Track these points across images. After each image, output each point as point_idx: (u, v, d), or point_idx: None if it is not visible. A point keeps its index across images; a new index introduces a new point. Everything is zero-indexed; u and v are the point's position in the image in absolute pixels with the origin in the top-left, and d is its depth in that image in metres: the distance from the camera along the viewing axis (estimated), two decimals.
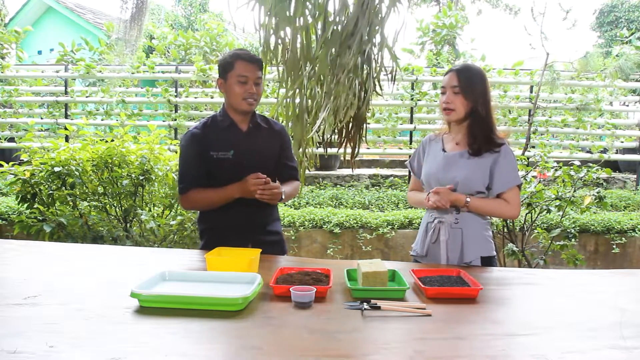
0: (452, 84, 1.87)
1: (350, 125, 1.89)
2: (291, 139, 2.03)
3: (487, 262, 1.91)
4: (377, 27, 1.65)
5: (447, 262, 1.89)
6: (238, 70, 1.93)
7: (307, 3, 1.65)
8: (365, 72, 1.75)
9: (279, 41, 1.71)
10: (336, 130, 1.88)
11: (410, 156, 2.19)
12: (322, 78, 1.70)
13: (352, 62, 1.63)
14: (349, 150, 1.91)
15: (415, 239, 2.07)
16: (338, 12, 1.65)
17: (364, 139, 1.94)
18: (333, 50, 1.64)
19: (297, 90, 1.78)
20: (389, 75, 1.86)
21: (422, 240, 1.99)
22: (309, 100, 1.82)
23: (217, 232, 2.01)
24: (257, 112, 2.11)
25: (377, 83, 1.82)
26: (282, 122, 2.07)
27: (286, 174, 2.12)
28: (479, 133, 1.89)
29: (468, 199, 1.84)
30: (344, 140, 1.88)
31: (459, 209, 1.88)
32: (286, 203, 5.23)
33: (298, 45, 1.71)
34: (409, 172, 2.16)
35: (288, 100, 1.81)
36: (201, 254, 1.86)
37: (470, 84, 1.86)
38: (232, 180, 1.94)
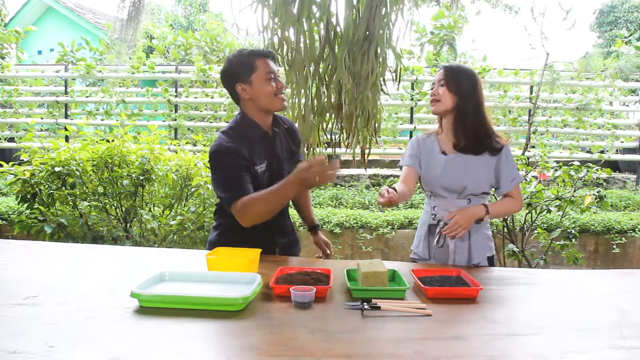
0: (439, 78, 1.93)
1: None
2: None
3: (490, 261, 1.92)
4: (385, 29, 1.66)
5: (454, 263, 1.87)
6: (263, 68, 1.80)
7: (312, 5, 1.66)
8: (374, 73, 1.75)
9: (284, 42, 1.71)
10: (345, 131, 1.88)
11: (402, 156, 2.10)
12: (339, 83, 1.70)
13: (374, 73, 1.64)
14: (358, 149, 1.91)
15: (415, 242, 2.03)
16: (347, 14, 1.65)
17: (374, 138, 1.94)
18: (346, 54, 1.64)
19: (303, 91, 1.78)
20: (394, 75, 1.87)
21: (424, 243, 1.95)
22: (315, 100, 1.82)
23: (241, 243, 1.78)
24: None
25: (383, 83, 1.83)
26: None
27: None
28: (465, 128, 1.88)
29: (488, 211, 1.83)
30: (361, 142, 1.88)
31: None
32: None
33: (302, 45, 1.71)
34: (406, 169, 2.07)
35: (294, 100, 1.81)
36: (201, 254, 1.86)
37: (457, 79, 1.89)
38: (262, 189, 1.77)
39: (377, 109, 1.79)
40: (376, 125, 1.85)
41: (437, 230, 1.88)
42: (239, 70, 1.80)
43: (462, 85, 1.88)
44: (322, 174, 1.60)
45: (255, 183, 1.78)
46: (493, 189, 1.97)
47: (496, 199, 2.05)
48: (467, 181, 1.85)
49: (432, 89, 1.98)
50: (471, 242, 1.88)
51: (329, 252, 2.17)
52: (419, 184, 2.02)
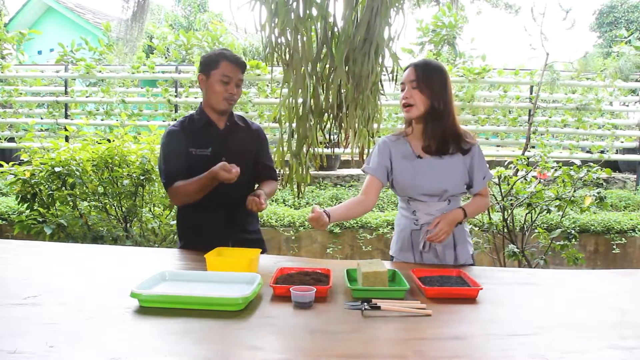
0: (410, 79, 1.80)
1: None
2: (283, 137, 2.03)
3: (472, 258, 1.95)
4: (384, 30, 1.66)
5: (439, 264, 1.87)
6: (223, 69, 1.95)
7: (312, 5, 1.66)
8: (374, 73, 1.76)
9: (282, 41, 1.72)
10: (344, 132, 1.88)
11: (367, 158, 1.99)
12: (339, 84, 1.71)
13: (374, 73, 1.65)
14: (357, 149, 1.91)
15: (395, 247, 1.96)
16: (347, 15, 1.65)
17: (372, 139, 1.94)
18: (346, 54, 1.65)
19: (300, 91, 1.79)
20: (390, 75, 1.87)
21: (407, 249, 1.90)
22: (312, 100, 1.82)
23: (197, 231, 2.02)
24: (234, 111, 2.13)
25: (380, 84, 1.84)
26: (285, 122, 2.07)
27: (264, 174, 2.17)
28: (439, 131, 1.81)
29: (466, 213, 1.83)
30: (360, 142, 1.88)
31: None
32: (286, 203, 5.23)
33: (300, 45, 1.72)
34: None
35: (291, 100, 1.82)
36: (201, 254, 1.86)
37: (428, 78, 1.79)
38: None
39: (376, 109, 1.79)
40: (375, 125, 1.85)
41: (421, 236, 1.85)
42: (206, 62, 1.99)
43: (434, 84, 1.79)
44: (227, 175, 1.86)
45: (195, 165, 1.96)
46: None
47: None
48: (447, 185, 1.83)
49: (402, 90, 1.85)
50: (456, 243, 1.89)
51: (254, 205, 1.95)
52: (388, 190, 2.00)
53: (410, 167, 1.86)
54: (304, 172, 2.07)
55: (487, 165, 1.93)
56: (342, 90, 1.71)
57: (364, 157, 1.93)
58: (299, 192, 2.12)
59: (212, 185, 1.92)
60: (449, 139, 1.83)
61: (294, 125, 1.95)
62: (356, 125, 1.75)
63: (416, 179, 1.84)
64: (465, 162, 1.86)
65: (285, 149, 2.10)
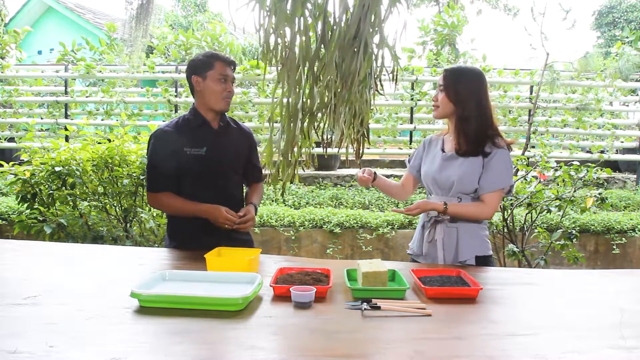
0: (439, 82, 1.97)
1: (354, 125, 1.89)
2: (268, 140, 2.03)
3: (483, 261, 1.91)
4: (377, 28, 1.65)
5: (443, 261, 1.90)
6: (218, 69, 1.98)
7: (307, 3, 1.66)
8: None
9: (278, 40, 1.71)
10: (337, 131, 1.87)
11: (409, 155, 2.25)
12: (329, 82, 1.70)
13: (362, 69, 1.64)
14: (351, 150, 1.90)
15: (413, 238, 2.10)
16: (340, 13, 1.65)
17: (366, 138, 1.94)
18: (337, 53, 1.64)
19: (295, 90, 1.78)
20: (390, 75, 1.87)
21: (419, 239, 2.02)
22: (308, 100, 1.82)
23: (188, 232, 2.02)
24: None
25: (378, 83, 1.83)
26: (279, 121, 2.07)
27: (252, 176, 2.22)
28: (466, 134, 1.90)
29: (445, 206, 1.86)
30: (346, 140, 1.87)
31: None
32: (286, 203, 5.23)
33: (297, 45, 1.71)
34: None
35: (285, 100, 1.81)
36: (201, 254, 1.86)
37: (455, 84, 1.90)
38: (205, 175, 2.01)
39: (365, 107, 1.77)
40: (360, 123, 1.83)
41: (428, 226, 1.95)
42: (199, 65, 2.00)
43: (460, 90, 1.90)
44: (236, 226, 1.94)
45: (189, 164, 1.98)
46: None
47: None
48: (454, 177, 1.89)
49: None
50: (459, 239, 1.90)
51: (240, 224, 1.98)
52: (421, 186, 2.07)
53: (433, 159, 2.01)
54: (292, 172, 2.06)
55: (509, 176, 1.90)
56: (338, 90, 1.71)
57: (348, 157, 1.94)
58: (283, 192, 2.11)
59: (198, 216, 1.95)
60: (480, 142, 1.89)
61: (283, 124, 1.94)
62: (344, 123, 1.74)
63: (431, 167, 1.98)
64: (483, 163, 1.89)
65: (274, 148, 2.09)
